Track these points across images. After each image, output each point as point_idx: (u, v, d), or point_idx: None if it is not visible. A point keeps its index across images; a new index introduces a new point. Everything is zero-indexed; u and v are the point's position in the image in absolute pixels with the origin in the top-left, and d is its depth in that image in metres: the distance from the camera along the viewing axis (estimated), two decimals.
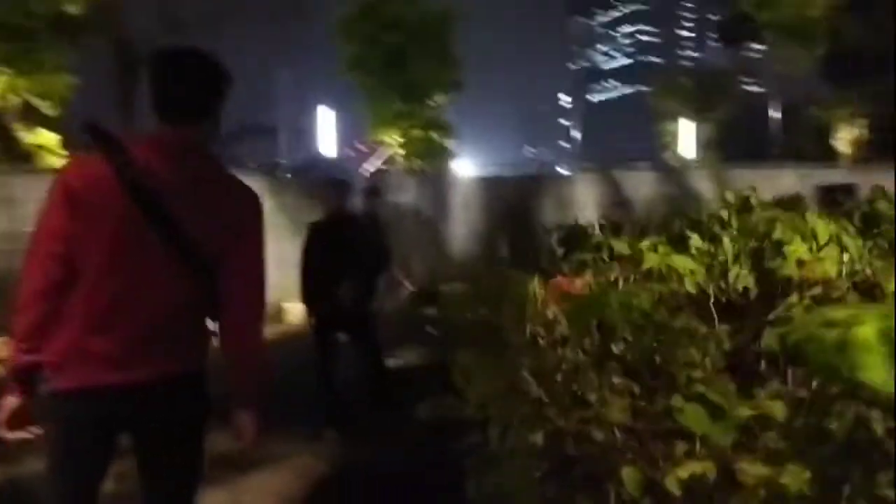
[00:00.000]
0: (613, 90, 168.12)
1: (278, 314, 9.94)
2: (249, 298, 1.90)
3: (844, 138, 30.00)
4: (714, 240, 1.58)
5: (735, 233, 1.57)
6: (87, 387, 1.70)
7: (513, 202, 12.21)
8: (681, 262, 1.43)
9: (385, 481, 3.95)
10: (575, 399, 1.22)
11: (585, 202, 13.32)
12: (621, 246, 1.54)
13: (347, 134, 16.95)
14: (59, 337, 1.68)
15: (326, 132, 15.43)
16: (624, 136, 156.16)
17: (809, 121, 29.44)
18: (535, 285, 1.50)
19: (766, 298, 1.26)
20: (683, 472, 0.99)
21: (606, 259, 1.58)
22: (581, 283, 1.45)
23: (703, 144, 25.10)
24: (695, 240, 1.58)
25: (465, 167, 23.04)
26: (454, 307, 1.76)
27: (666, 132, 33.70)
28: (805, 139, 39.50)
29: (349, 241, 4.47)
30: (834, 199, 10.95)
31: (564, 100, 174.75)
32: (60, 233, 1.65)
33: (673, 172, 15.40)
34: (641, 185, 14.10)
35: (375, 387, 4.77)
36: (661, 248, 1.51)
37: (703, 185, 14.97)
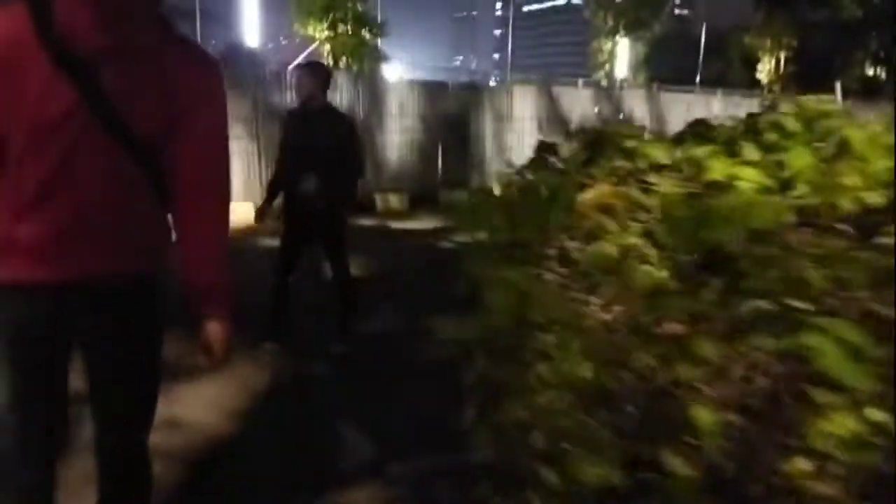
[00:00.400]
0: (545, 1, 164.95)
1: None
2: (207, 181, 1.60)
3: (766, 68, 30.96)
4: (770, 150, 1.35)
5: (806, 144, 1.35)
6: (18, 282, 1.49)
7: (450, 110, 11.75)
8: (751, 174, 1.21)
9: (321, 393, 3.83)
10: (653, 335, 1.01)
11: (523, 114, 13.08)
12: (661, 152, 1.29)
13: (271, 24, 15.70)
14: None
15: (250, 20, 14.20)
16: (553, 49, 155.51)
17: (735, 48, 30.04)
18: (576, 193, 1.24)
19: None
20: (832, 425, 0.79)
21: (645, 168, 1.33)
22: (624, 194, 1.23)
23: (635, 65, 25.27)
24: (748, 150, 1.34)
25: (393, 71, 22.11)
26: (469, 220, 1.47)
27: (598, 49, 33.71)
28: (729, 66, 40.53)
29: (320, 133, 4.03)
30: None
31: (496, 7, 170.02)
32: None
33: (608, 90, 15.29)
34: (577, 100, 13.93)
35: (342, 306, 4.45)
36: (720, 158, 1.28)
37: (639, 105, 15.03)
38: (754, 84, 30.18)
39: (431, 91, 11.68)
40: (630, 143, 1.34)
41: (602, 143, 1.44)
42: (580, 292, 1.23)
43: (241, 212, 10.08)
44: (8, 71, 1.37)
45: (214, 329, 1.66)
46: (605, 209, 1.21)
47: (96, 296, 1.55)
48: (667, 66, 34.14)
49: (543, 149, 1.54)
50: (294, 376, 4.11)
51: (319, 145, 3.99)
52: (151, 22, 1.47)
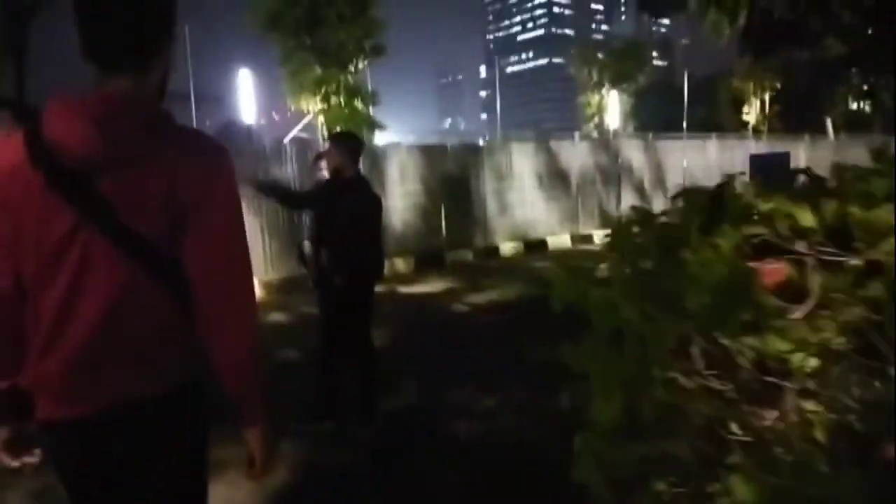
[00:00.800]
0: (527, 62, 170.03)
1: None
2: (222, 281, 1.44)
3: (752, 110, 31.55)
4: None
5: None
6: (49, 421, 1.45)
7: (450, 172, 11.73)
8: None
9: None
10: None
11: (522, 171, 13.09)
12: (806, 214, 1.05)
13: (266, 100, 15.94)
14: (26, 361, 1.44)
15: (246, 97, 14.38)
16: (539, 106, 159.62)
17: (723, 93, 30.62)
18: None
19: None
20: None
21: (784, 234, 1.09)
22: (780, 270, 1.00)
23: (623, 115, 25.66)
24: None
25: (385, 138, 22.33)
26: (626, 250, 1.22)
27: (586, 103, 34.46)
28: (715, 111, 41.27)
29: (344, 205, 3.88)
30: (772, 168, 11.29)
31: (480, 71, 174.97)
32: None
33: (604, 141, 15.35)
34: (575, 154, 13.97)
35: (364, 383, 4.18)
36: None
37: (636, 154, 15.08)
38: (741, 126, 30.69)
39: (431, 154, 11.68)
40: (766, 205, 1.11)
41: (722, 204, 1.21)
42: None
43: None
44: (7, 204, 1.33)
45: (252, 442, 1.54)
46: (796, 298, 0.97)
47: (130, 423, 1.45)
48: (652, 115, 34.84)
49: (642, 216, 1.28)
50: (320, 468, 3.79)
51: (341, 217, 3.83)
52: (147, 122, 1.39)
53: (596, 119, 33.36)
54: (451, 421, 4.34)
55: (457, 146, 12.81)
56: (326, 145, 4.35)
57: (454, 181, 11.78)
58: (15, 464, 1.54)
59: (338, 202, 3.87)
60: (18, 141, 1.32)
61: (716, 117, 41.05)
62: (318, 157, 6.07)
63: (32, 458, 1.55)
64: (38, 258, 1.34)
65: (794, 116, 33.46)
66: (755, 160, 12.03)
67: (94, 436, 1.43)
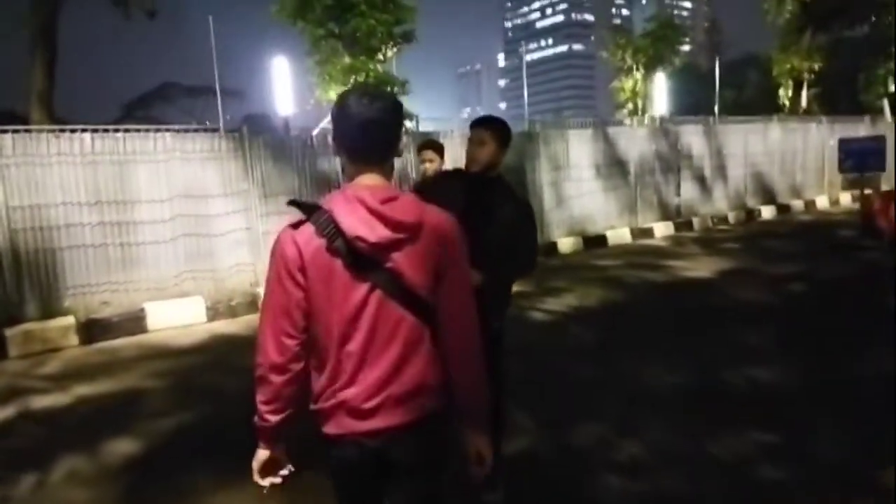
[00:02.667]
0: (547, 48, 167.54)
1: (254, 301, 8.37)
2: (469, 319, 1.87)
3: (788, 92, 30.13)
4: None
5: None
6: (350, 434, 1.77)
7: (505, 161, 10.84)
8: None
9: None
10: None
11: (580, 161, 12.16)
12: None
13: (294, 92, 15.08)
14: (315, 385, 1.80)
15: (277, 89, 13.53)
16: (560, 93, 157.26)
17: (780, 73, 29.25)
18: None
19: None
20: None
21: None
22: None
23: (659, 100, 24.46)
24: None
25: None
26: None
27: (620, 88, 33.16)
28: (753, 92, 39.65)
29: (500, 216, 3.00)
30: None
31: (498, 59, 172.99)
32: (289, 307, 1.72)
33: (662, 128, 14.30)
34: (634, 141, 12.98)
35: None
36: None
37: (696, 140, 14.03)
38: (776, 109, 29.36)
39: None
40: None
41: None
42: None
43: None
44: (314, 276, 1.70)
45: (481, 444, 1.89)
46: None
47: (406, 440, 1.79)
48: (680, 99, 33.40)
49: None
50: None
51: (496, 233, 2.94)
52: (410, 205, 1.76)
53: (630, 105, 32.09)
54: (594, 480, 3.48)
55: (519, 132, 11.88)
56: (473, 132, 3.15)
57: (508, 172, 10.86)
58: (264, 482, 1.87)
59: (490, 213, 2.98)
60: (309, 230, 1.68)
61: (744, 100, 39.66)
62: (427, 146, 5.03)
63: (278, 479, 1.90)
64: (342, 316, 1.70)
65: (831, 98, 32.03)
66: (845, 145, 11.01)
67: (379, 446, 1.77)
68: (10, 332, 6.66)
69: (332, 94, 18.93)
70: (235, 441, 4.27)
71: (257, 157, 8.53)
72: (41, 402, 5.16)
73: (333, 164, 9.09)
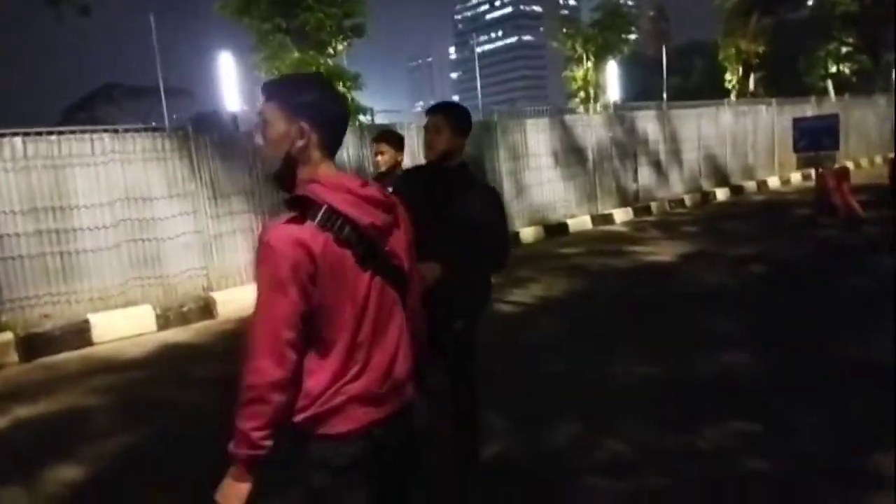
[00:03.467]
0: (496, 40, 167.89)
1: (207, 307, 8.02)
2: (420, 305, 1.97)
3: (735, 77, 30.79)
4: None
5: None
6: (361, 426, 1.68)
7: (468, 151, 10.64)
8: None
9: None
10: None
11: (538, 150, 12.05)
12: None
13: (240, 89, 14.58)
14: (311, 387, 1.66)
15: (223, 86, 13.03)
16: (511, 84, 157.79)
17: (703, 60, 29.86)
18: None
19: None
20: None
21: None
22: None
23: (609, 87, 24.61)
24: None
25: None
26: None
27: (571, 77, 33.34)
28: (699, 78, 40.45)
29: (460, 208, 2.77)
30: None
31: (450, 52, 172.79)
32: (293, 316, 1.58)
33: (619, 114, 14.29)
34: (591, 128, 12.94)
35: (461, 443, 3.11)
36: None
37: (651, 125, 14.10)
38: (722, 93, 29.94)
39: None
40: None
41: None
42: None
43: (248, 296, 8.71)
44: (321, 275, 1.59)
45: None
46: None
47: (407, 421, 1.81)
48: (630, 86, 33.75)
49: None
50: None
51: (457, 226, 2.72)
52: (387, 192, 1.82)
53: (582, 93, 32.28)
54: (576, 482, 3.32)
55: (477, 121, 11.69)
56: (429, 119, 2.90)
57: (473, 160, 10.67)
58: None
59: (450, 204, 2.76)
60: (310, 226, 1.57)
61: (691, 86, 40.31)
62: (381, 138, 4.53)
63: None
64: (355, 308, 1.65)
65: (773, 81, 32.84)
66: (800, 125, 11.15)
67: (391, 431, 1.74)
68: None
69: None
70: (191, 463, 4.00)
71: (205, 156, 8.12)
72: None
73: None
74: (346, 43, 18.84)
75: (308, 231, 1.56)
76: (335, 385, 1.64)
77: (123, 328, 7.18)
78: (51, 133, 7.26)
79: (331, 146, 1.71)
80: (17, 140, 6.94)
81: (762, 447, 3.43)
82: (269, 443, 1.59)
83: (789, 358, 4.72)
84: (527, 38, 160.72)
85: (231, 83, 12.50)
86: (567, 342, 5.60)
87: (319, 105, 1.68)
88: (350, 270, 1.63)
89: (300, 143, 1.66)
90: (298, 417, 1.63)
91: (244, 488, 1.62)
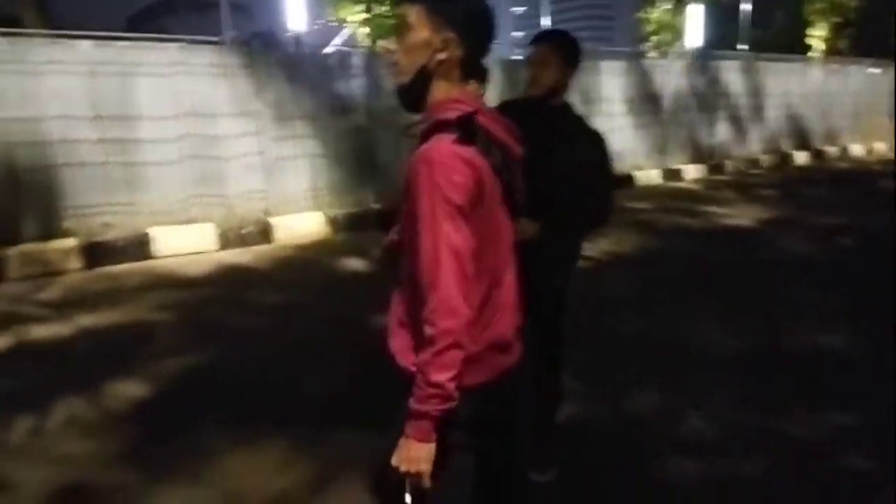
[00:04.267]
0: None
1: (265, 231, 7.97)
2: None
3: (822, 32, 28.65)
4: None
5: None
6: (493, 378, 1.56)
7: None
8: None
9: None
10: None
11: (612, 95, 11.40)
12: None
13: (305, 11, 14.08)
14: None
15: (281, 7, 12.54)
16: (576, 24, 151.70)
17: (783, 15, 27.85)
18: None
19: None
20: None
21: None
22: None
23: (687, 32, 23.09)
24: None
25: None
26: None
27: (646, 19, 31.59)
28: (779, 33, 37.93)
29: (564, 151, 2.47)
30: None
31: None
32: (474, 249, 1.43)
33: (702, 62, 13.33)
34: (670, 75, 12.16)
35: (544, 407, 2.88)
36: None
37: (733, 77, 13.17)
38: (805, 49, 27.99)
39: (510, 70, 10.02)
40: None
41: None
42: None
43: (307, 224, 8.71)
44: (484, 204, 1.45)
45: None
46: None
47: (522, 368, 1.67)
48: (708, 34, 31.94)
49: None
50: None
51: (559, 170, 2.40)
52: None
53: (656, 38, 30.60)
54: (658, 458, 3.10)
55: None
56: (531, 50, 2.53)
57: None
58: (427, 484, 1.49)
59: (552, 149, 2.42)
60: (470, 149, 1.41)
61: (770, 39, 37.77)
62: (544, 40, 3.97)
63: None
64: (501, 243, 1.55)
65: (862, 41, 30.56)
66: None
67: (512, 380, 1.62)
68: (8, 253, 6.23)
69: (345, 12, 17.94)
70: (247, 395, 3.92)
71: (269, 75, 7.84)
72: (41, 332, 4.76)
73: (351, 86, 8.40)
74: None
75: (475, 153, 1.42)
76: (474, 331, 1.48)
77: (183, 244, 7.15)
78: (118, 39, 7.09)
79: (477, 65, 1.51)
80: (86, 43, 6.78)
81: (866, 444, 3.12)
82: (457, 393, 1.43)
83: (892, 341, 4.33)
84: None
85: (296, 1, 12.00)
86: (640, 302, 5.29)
87: (474, 16, 1.47)
88: (497, 201, 1.51)
89: (441, 56, 1.45)
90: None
91: (431, 448, 1.45)
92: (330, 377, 3.95)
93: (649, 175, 11.76)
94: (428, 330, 1.41)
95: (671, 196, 10.53)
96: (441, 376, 1.40)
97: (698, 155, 12.80)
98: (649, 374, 3.91)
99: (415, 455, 1.44)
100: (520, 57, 12.49)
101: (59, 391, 3.74)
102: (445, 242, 1.40)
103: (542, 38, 2.59)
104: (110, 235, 6.93)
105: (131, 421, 3.45)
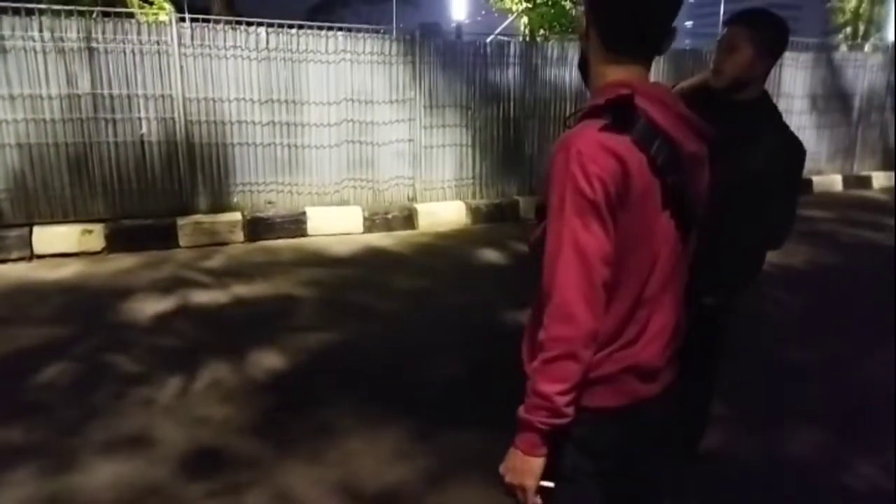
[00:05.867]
0: None
1: (409, 217, 8.12)
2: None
3: None
4: None
5: None
6: (628, 404, 1.38)
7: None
8: None
9: None
10: None
11: (793, 91, 10.26)
12: None
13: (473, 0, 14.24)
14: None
15: None
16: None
17: None
18: None
19: None
20: None
21: None
22: None
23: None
24: None
25: None
26: None
27: (839, 9, 28.41)
28: None
29: (748, 153, 2.20)
30: None
31: None
32: (607, 247, 1.26)
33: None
34: (864, 71, 10.74)
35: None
36: None
37: None
38: None
39: (677, 62, 9.36)
40: None
41: None
42: None
43: (449, 212, 8.77)
44: (628, 204, 1.26)
45: None
46: None
47: (669, 399, 1.47)
48: None
49: None
50: None
51: (734, 173, 2.10)
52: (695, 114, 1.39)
53: (849, 29, 27.39)
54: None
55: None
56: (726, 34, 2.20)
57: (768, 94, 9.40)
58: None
59: (730, 151, 2.12)
60: (624, 139, 1.23)
61: None
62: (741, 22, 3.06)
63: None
64: (650, 253, 1.34)
65: None
66: None
67: (659, 411, 1.45)
68: (181, 222, 6.88)
69: (507, 2, 17.86)
70: (373, 378, 3.94)
71: (427, 63, 7.94)
72: (200, 297, 5.19)
73: (506, 76, 8.29)
74: None
75: (625, 143, 1.23)
76: (609, 347, 1.34)
77: (334, 225, 7.48)
78: (291, 27, 7.52)
79: (634, 42, 1.31)
80: (262, 31, 7.26)
81: None
82: (572, 409, 1.30)
83: None
84: None
85: None
86: (808, 325, 4.69)
87: None
88: (653, 205, 1.30)
89: (591, 34, 1.33)
90: None
91: (537, 463, 1.33)
92: (454, 369, 3.90)
93: (830, 180, 10.48)
94: (541, 334, 1.28)
95: (855, 206, 9.31)
96: (548, 387, 1.27)
97: (891, 161, 11.21)
98: (810, 408, 3.43)
99: (519, 467, 1.33)
100: (688, 47, 11.64)
101: (208, 355, 4.02)
102: (571, 240, 1.24)
103: (737, 17, 2.21)
104: (271, 212, 7.42)
105: (267, 391, 3.62)
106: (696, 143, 1.35)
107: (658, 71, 8.78)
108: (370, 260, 6.49)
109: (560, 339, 1.26)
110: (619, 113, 1.24)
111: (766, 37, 2.14)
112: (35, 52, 6.36)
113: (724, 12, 18.86)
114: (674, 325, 1.43)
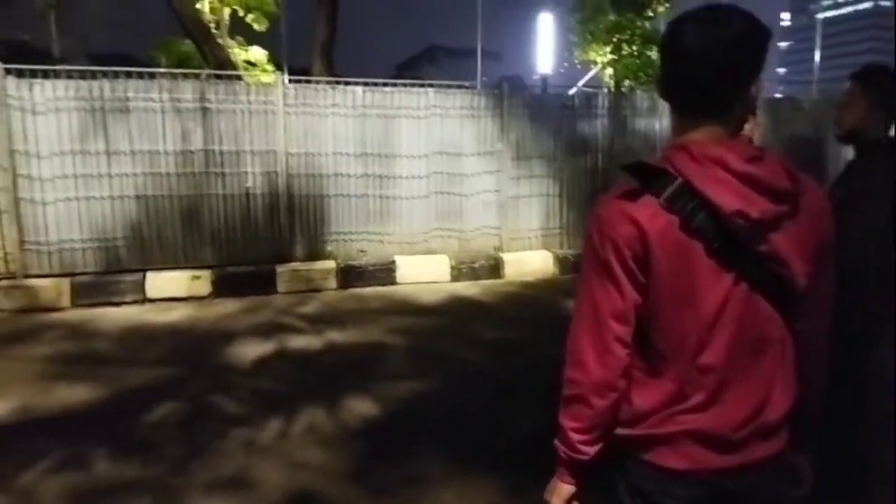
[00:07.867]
0: (845, 6, 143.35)
1: (496, 266, 8.20)
2: (829, 318, 1.47)
3: None
4: None
5: None
6: (694, 470, 1.36)
7: (802, 130, 9.07)
8: None
9: None
10: None
11: None
12: None
13: (553, 53, 14.42)
14: (639, 403, 1.39)
15: (537, 48, 12.95)
16: (854, 59, 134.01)
17: None
18: None
19: None
20: None
21: None
22: None
23: None
24: None
25: None
26: None
27: None
28: None
29: (871, 205, 2.19)
30: None
31: (782, 17, 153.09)
32: (624, 309, 1.32)
33: None
34: None
35: None
36: None
37: None
38: None
39: (772, 110, 9.10)
40: None
41: None
42: None
43: (535, 262, 8.74)
44: (661, 264, 1.29)
45: (805, 465, 1.54)
46: None
47: (774, 479, 1.43)
48: None
49: None
50: None
51: (847, 223, 2.04)
52: (783, 167, 1.31)
53: None
54: None
55: (816, 99, 9.91)
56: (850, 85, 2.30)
57: (801, 144, 9.07)
58: None
59: (848, 202, 2.06)
60: (651, 202, 1.27)
61: None
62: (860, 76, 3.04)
63: None
64: (700, 317, 1.31)
65: None
66: None
67: (738, 486, 1.39)
68: (280, 269, 7.23)
69: (592, 54, 18.02)
70: (461, 429, 3.94)
71: (513, 116, 8.12)
72: (297, 342, 5.41)
73: (593, 127, 8.34)
74: (666, 4, 17.62)
75: (645, 207, 1.27)
76: (668, 409, 1.36)
77: (422, 273, 7.64)
78: (385, 84, 7.91)
79: (687, 103, 1.31)
80: (359, 89, 7.68)
81: None
82: (590, 449, 1.39)
83: None
84: (886, 2, 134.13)
85: (546, 44, 12.36)
86: None
87: (664, 59, 1.29)
88: (699, 269, 1.29)
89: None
90: (621, 431, 1.41)
91: (565, 490, 1.45)
92: (538, 422, 3.81)
93: None
94: (564, 374, 1.40)
95: None
96: (565, 421, 1.40)
97: None
98: None
99: (550, 488, 1.47)
100: (780, 95, 11.30)
101: (305, 399, 4.17)
102: (588, 296, 1.36)
103: (855, 73, 2.35)
104: (363, 261, 7.67)
105: (360, 437, 3.70)
106: (755, 201, 1.26)
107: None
108: (457, 309, 6.56)
109: (572, 381, 1.38)
110: (644, 177, 1.29)
111: (876, 90, 2.23)
112: (154, 111, 7.00)
113: (820, 59, 18.28)
114: (761, 398, 1.38)
